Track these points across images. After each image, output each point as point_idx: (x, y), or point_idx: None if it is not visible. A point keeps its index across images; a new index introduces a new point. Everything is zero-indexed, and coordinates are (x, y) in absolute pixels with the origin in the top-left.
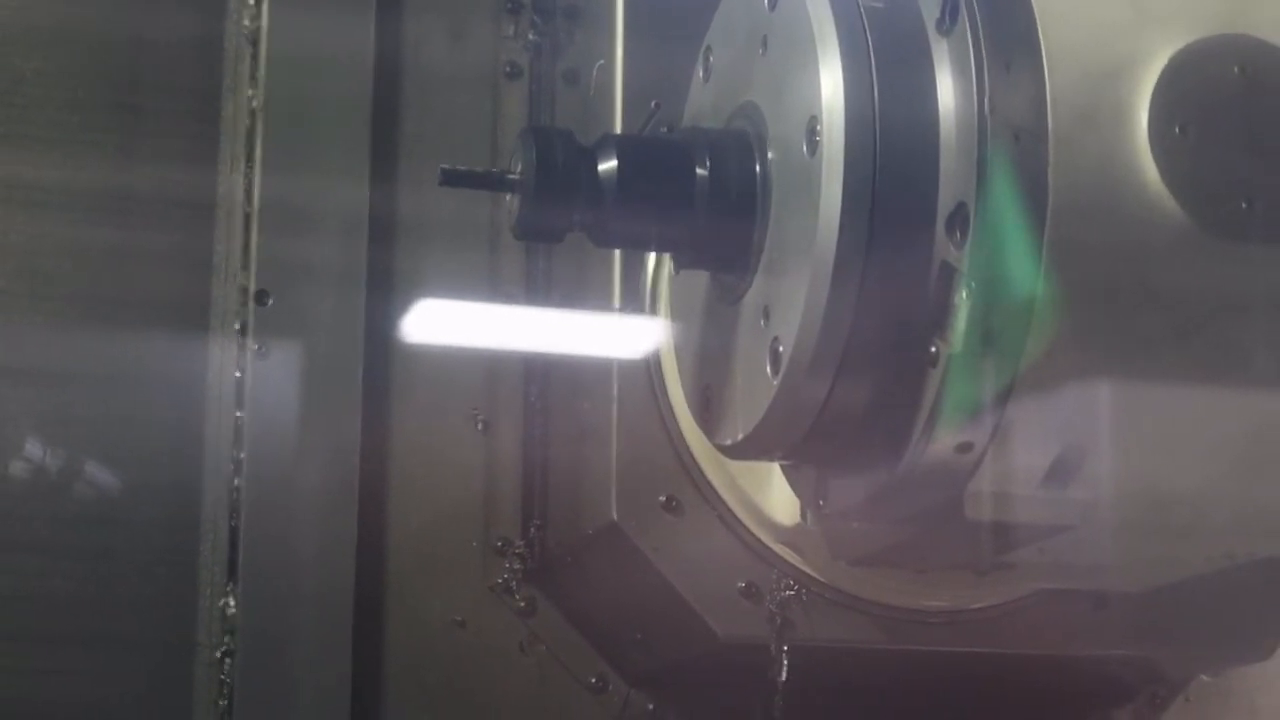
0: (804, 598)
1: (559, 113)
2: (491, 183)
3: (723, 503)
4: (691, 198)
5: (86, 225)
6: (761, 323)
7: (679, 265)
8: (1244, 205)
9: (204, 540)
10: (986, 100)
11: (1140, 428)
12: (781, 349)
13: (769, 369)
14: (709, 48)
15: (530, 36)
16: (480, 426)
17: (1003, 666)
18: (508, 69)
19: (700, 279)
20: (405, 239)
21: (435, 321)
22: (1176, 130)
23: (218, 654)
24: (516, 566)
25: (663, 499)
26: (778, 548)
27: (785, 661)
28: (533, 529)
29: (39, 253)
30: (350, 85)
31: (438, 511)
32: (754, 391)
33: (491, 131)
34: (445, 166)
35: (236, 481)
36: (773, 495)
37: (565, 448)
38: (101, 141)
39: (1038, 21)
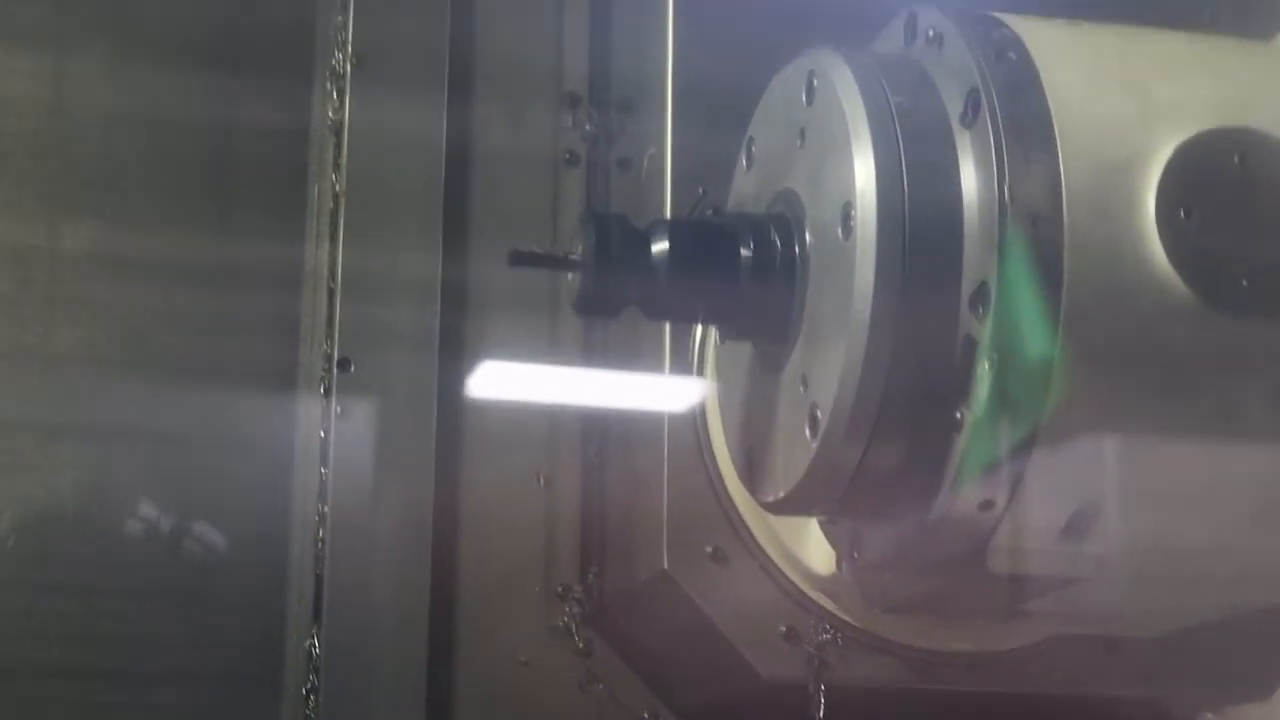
0: (840, 641)
1: (613, 197)
2: (555, 263)
3: (765, 553)
4: (737, 275)
5: (186, 296)
6: (801, 389)
7: (724, 336)
8: (1244, 282)
9: (291, 587)
10: (1006, 188)
11: (1149, 486)
12: (819, 413)
13: (808, 431)
14: (751, 139)
15: (587, 127)
16: (542, 482)
17: (1020, 705)
18: (567, 156)
19: (744, 348)
20: (474, 309)
21: (500, 384)
22: (1181, 214)
23: (303, 690)
24: (575, 610)
25: (710, 549)
26: (816, 595)
27: (823, 700)
28: (590, 576)
29: (140, 320)
30: (423, 170)
31: (503, 560)
32: (794, 452)
33: (551, 213)
34: (514, 249)
35: (321, 533)
36: (811, 547)
37: (620, 501)
38: (200, 222)
39: (1053, 116)
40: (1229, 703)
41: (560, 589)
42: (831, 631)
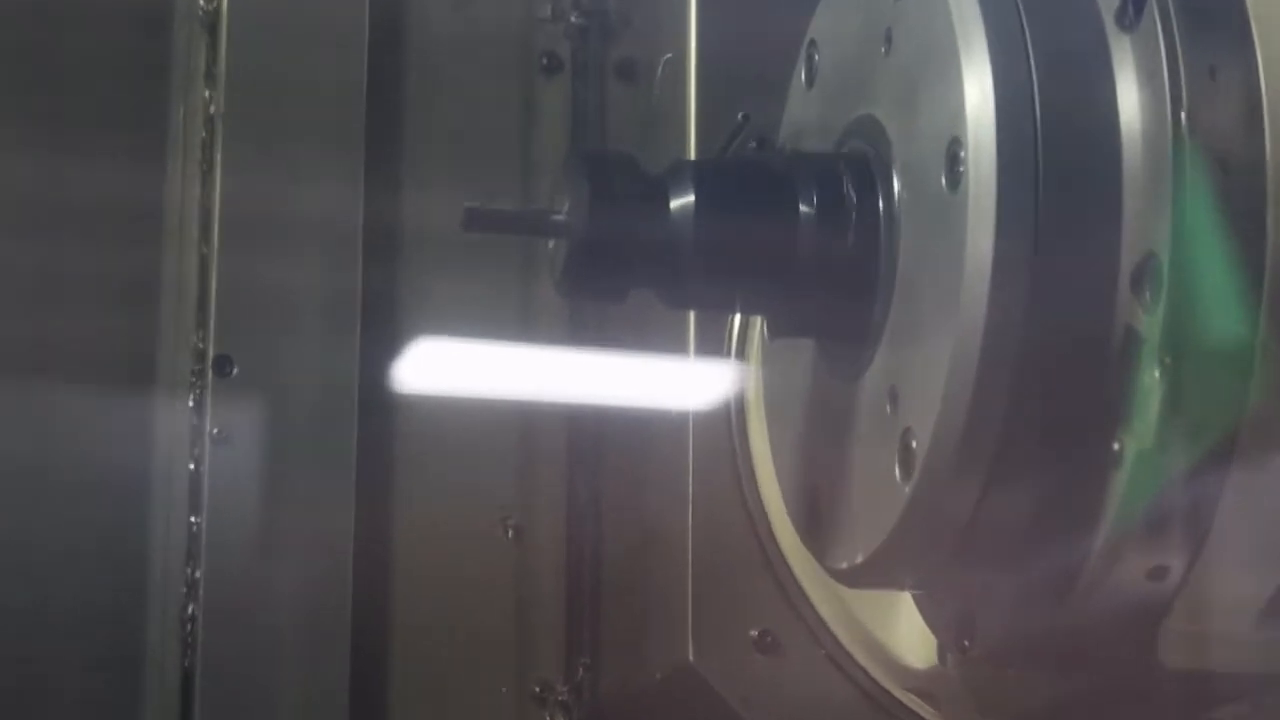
0: None
1: (611, 122)
2: (529, 224)
3: (833, 638)
4: (793, 244)
5: None
6: (887, 408)
7: (775, 332)
8: None
9: (148, 685)
10: (1184, 118)
11: None
12: (915, 444)
13: (898, 470)
14: (813, 43)
15: (573, 19)
16: (510, 533)
17: None
18: (544, 61)
19: (803, 349)
20: (411, 279)
21: (450, 388)
22: None
23: None
24: (559, 718)
25: (754, 634)
26: (906, 697)
27: None
28: (580, 670)
29: None
30: (338, 81)
31: (456, 649)
32: (878, 500)
33: (522, 147)
34: (471, 205)
35: (190, 609)
36: (900, 630)
37: (622, 561)
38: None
39: (1250, 13)
40: None
41: (538, 688)
42: None
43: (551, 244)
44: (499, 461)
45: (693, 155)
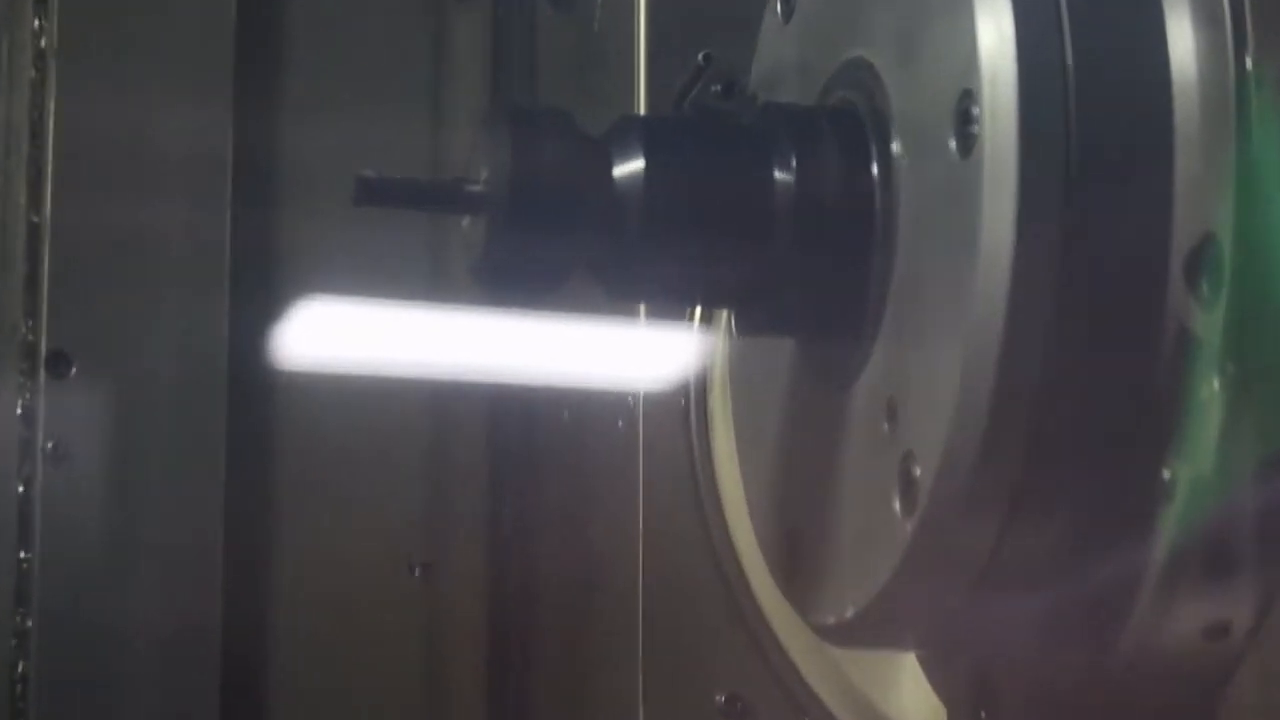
0: None
1: (542, 62)
2: (439, 198)
3: (820, 704)
4: (767, 220)
5: None
6: (884, 425)
7: (745, 328)
8: None
9: None
10: (1250, 62)
11: None
12: (918, 470)
13: (898, 502)
14: None
15: None
16: (416, 571)
17: None
18: None
19: (779, 348)
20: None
21: (341, 384)
22: None
23: None
24: None
25: (721, 699)
26: None
27: None
28: None
29: None
30: (201, 8)
31: (350, 715)
32: (873, 538)
33: (431, 94)
34: (364, 174)
35: (21, 668)
36: (901, 696)
37: (556, 609)
38: None
39: None
40: None
41: None
42: None
43: (466, 221)
44: (403, 478)
45: (642, 106)
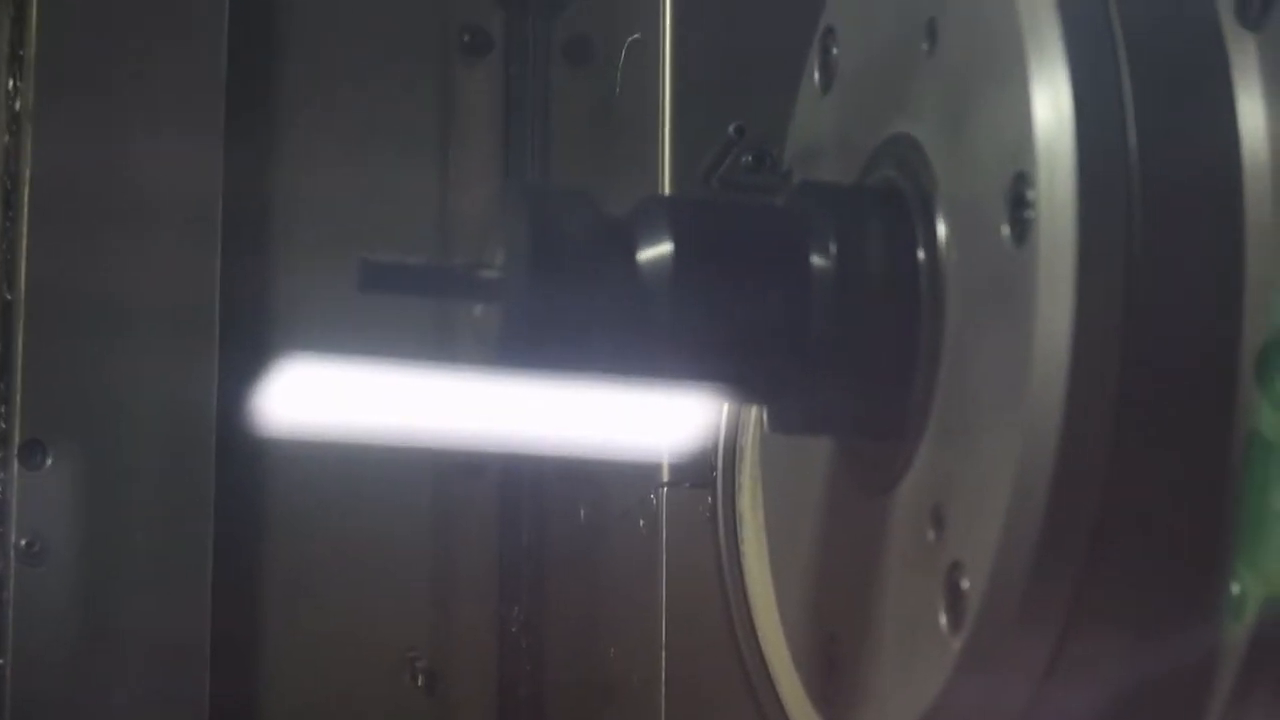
0: None
1: (557, 122)
2: (450, 285)
3: None
4: (804, 310)
5: None
6: (930, 534)
7: (779, 425)
8: None
9: None
10: None
11: None
12: (967, 584)
13: (944, 617)
14: (830, 31)
15: None
16: (420, 680)
17: None
18: (466, 38)
19: (817, 448)
20: (287, 327)
21: (337, 468)
22: None
23: None
24: None
25: None
26: None
27: None
28: None
29: None
30: (189, 66)
31: None
32: (918, 654)
33: (440, 164)
34: (368, 258)
35: None
36: None
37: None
38: None
39: None
40: None
41: None
42: None
43: (478, 309)
44: (405, 574)
45: (666, 172)
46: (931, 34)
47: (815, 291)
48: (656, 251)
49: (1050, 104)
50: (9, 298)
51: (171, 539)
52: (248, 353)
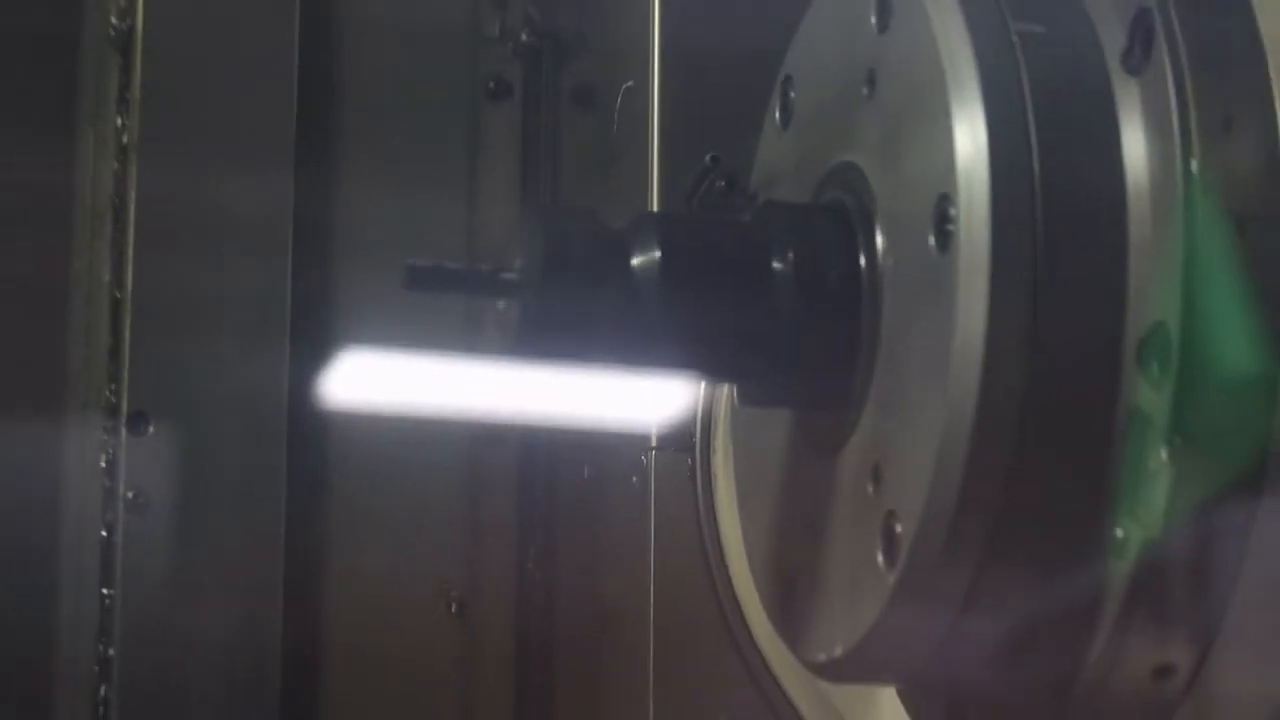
0: None
1: (566, 154)
2: (479, 285)
3: None
4: (767, 305)
5: None
6: (870, 488)
7: (747, 399)
8: None
9: None
10: (1195, 168)
11: None
12: (900, 528)
13: (881, 556)
14: (789, 79)
15: (524, 38)
16: (454, 608)
17: None
18: (491, 85)
19: (778, 418)
20: (344, 323)
21: (385, 442)
22: None
23: None
24: None
25: None
26: None
27: None
28: None
29: None
30: (265, 111)
31: None
32: (859, 587)
33: (468, 187)
34: (413, 264)
35: (104, 691)
36: None
37: (576, 644)
38: None
39: (1268, 58)
40: None
41: None
42: None
43: (502, 304)
44: (442, 524)
45: (655, 191)
46: (871, 81)
47: (777, 291)
48: (648, 259)
49: (969, 138)
50: (119, 296)
51: (250, 494)
52: (313, 343)
